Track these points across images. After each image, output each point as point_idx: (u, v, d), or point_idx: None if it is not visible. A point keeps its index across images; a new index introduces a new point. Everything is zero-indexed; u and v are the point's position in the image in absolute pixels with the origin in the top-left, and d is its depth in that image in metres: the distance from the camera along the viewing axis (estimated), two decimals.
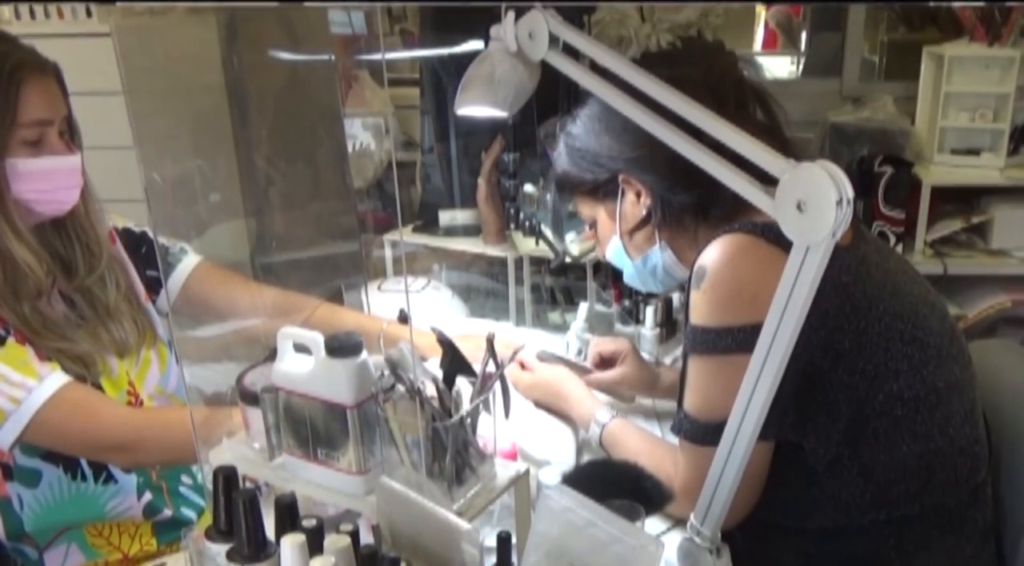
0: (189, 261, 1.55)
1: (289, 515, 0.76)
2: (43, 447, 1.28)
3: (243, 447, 1.06)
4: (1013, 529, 1.24)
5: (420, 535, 0.73)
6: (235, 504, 0.72)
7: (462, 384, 0.98)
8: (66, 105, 1.32)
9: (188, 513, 1.44)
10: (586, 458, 1.36)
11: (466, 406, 0.93)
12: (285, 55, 2.10)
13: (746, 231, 1.08)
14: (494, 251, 1.88)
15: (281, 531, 0.74)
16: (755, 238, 1.07)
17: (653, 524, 1.19)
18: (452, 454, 0.91)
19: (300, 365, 0.96)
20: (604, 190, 1.27)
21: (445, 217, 2.01)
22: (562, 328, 1.82)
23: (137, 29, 2.39)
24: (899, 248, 2.41)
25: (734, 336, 1.06)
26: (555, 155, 1.33)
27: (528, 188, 1.74)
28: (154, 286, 1.51)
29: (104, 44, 2.31)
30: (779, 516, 1.18)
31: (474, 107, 1.03)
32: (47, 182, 1.27)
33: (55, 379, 1.22)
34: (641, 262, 1.29)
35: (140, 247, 1.52)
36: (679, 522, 1.19)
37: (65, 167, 1.29)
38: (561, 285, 1.89)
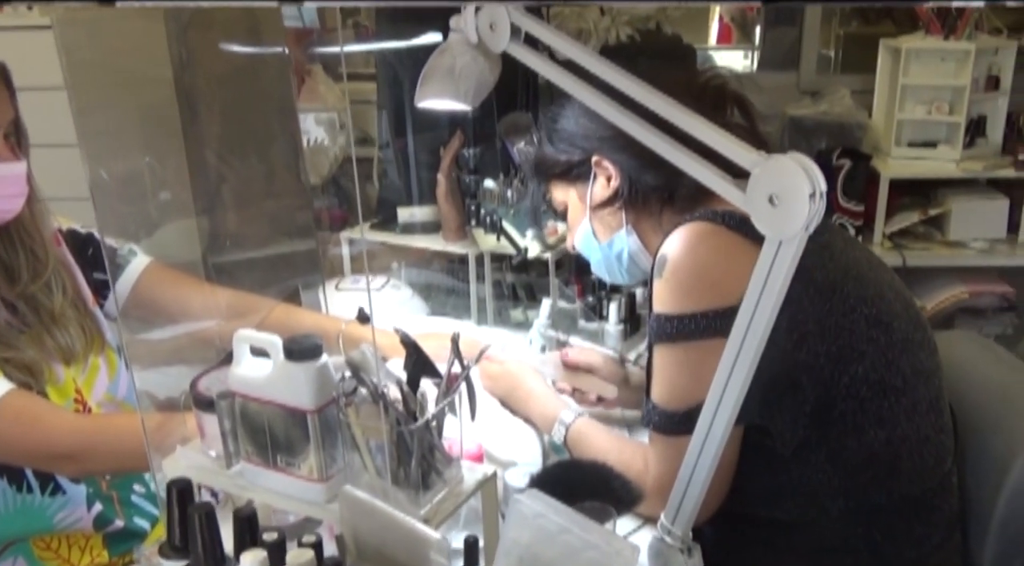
0: (138, 263, 1.49)
1: (249, 528, 0.73)
2: None
3: (198, 455, 1.02)
4: (978, 519, 1.24)
5: (386, 545, 0.70)
6: (190, 519, 0.68)
7: (427, 386, 0.95)
8: (13, 108, 1.26)
9: (141, 523, 1.39)
10: (553, 459, 1.34)
11: (431, 409, 0.90)
12: (236, 48, 2.05)
13: (707, 219, 1.09)
14: (454, 248, 1.85)
15: (240, 546, 0.70)
16: (715, 225, 1.08)
17: (622, 524, 1.17)
18: (418, 458, 0.88)
19: (257, 369, 0.92)
20: (577, 172, 1.27)
21: (404, 214, 1.98)
22: (524, 325, 1.80)
23: (80, 22, 2.31)
24: (857, 240, 2.43)
25: (697, 322, 1.06)
26: (536, 139, 1.33)
27: (489, 183, 1.71)
28: (102, 289, 1.45)
29: (46, 37, 2.24)
30: (748, 506, 1.18)
31: (435, 100, 1.00)
32: None
33: None
34: (607, 246, 1.29)
35: (87, 249, 1.46)
36: (648, 521, 1.18)
37: (9, 175, 1.23)
38: (523, 282, 1.87)
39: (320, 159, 2.99)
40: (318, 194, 2.79)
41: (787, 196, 0.74)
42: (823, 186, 0.74)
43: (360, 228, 2.07)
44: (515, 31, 0.99)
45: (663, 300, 1.10)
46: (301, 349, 0.88)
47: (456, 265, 1.96)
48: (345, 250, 2.03)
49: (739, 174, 0.81)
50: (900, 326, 1.14)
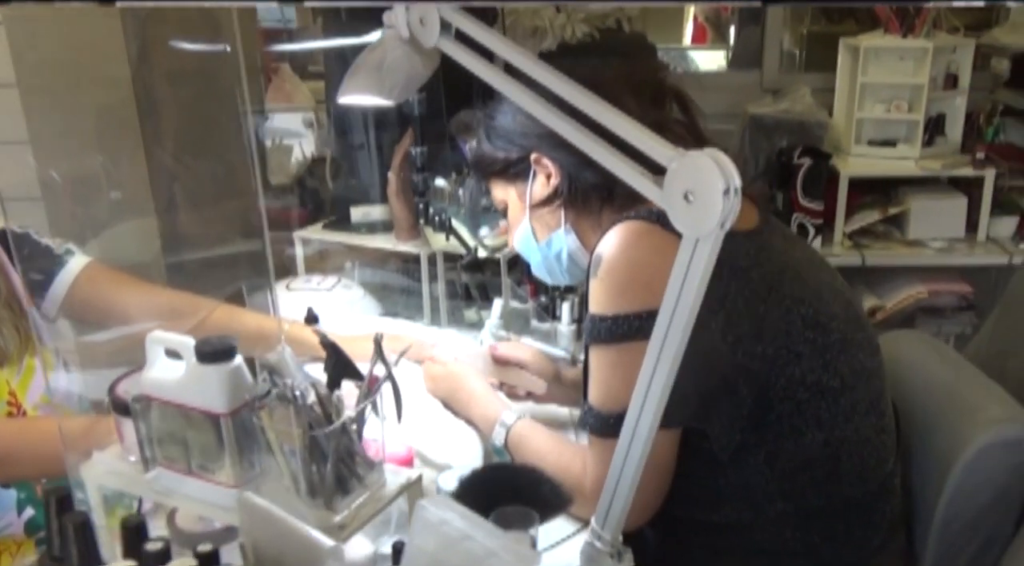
0: (76, 263, 1.45)
1: (136, 539, 0.70)
2: None
3: (116, 460, 0.99)
4: (922, 520, 1.23)
5: (284, 553, 0.68)
6: (64, 528, 0.66)
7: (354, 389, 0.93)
8: None
9: None
10: (495, 461, 1.32)
11: (348, 412, 0.87)
12: (185, 46, 2.01)
13: (641, 218, 1.08)
14: (406, 247, 1.82)
15: (126, 556, 0.67)
16: (650, 224, 1.07)
17: (561, 527, 1.15)
18: (333, 463, 0.85)
19: (171, 372, 0.89)
20: (516, 169, 1.25)
21: (357, 213, 1.95)
22: (478, 325, 1.77)
23: (31, 19, 2.28)
24: (818, 240, 2.43)
25: (631, 323, 1.04)
26: (477, 137, 1.31)
27: (439, 182, 1.69)
28: (38, 290, 1.42)
29: None
30: (688, 509, 1.17)
31: (356, 96, 0.98)
32: None
33: None
34: (546, 245, 1.27)
35: (22, 248, 1.42)
36: (587, 524, 1.16)
37: None
38: (477, 282, 1.84)
39: (284, 159, 2.96)
40: (281, 194, 2.76)
41: (701, 192, 0.72)
42: (737, 182, 0.72)
43: (312, 228, 2.03)
44: (448, 26, 0.97)
45: (598, 300, 1.08)
46: (214, 351, 0.86)
47: (411, 265, 1.93)
48: (298, 250, 2.00)
49: (662, 172, 0.79)
50: (838, 326, 1.13)
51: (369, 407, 0.94)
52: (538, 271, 1.34)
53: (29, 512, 1.29)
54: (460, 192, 1.64)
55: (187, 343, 0.87)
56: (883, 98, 2.47)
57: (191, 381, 0.87)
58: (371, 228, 1.94)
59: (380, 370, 0.95)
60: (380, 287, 1.96)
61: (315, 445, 0.85)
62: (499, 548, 0.63)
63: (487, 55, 0.93)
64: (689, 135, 1.19)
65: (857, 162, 2.48)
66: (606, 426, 1.08)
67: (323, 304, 1.81)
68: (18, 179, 2.25)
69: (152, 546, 0.72)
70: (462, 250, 1.72)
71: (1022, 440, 1.14)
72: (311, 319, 1.74)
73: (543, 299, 1.74)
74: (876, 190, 2.50)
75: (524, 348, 1.44)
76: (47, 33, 2.34)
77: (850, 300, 1.20)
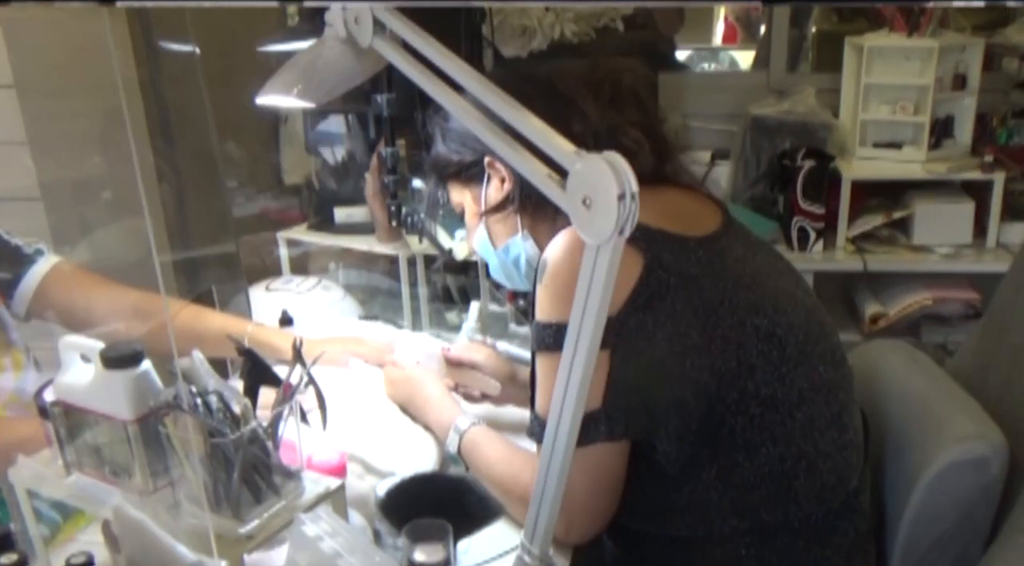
0: (44, 263, 1.45)
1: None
2: None
3: (44, 465, 0.98)
4: (892, 538, 1.18)
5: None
6: None
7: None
8: None
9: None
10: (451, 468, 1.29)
11: (256, 421, 0.85)
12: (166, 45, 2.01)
13: None
14: (385, 249, 1.80)
15: None
16: None
17: (510, 538, 1.12)
18: (240, 471, 0.83)
19: (82, 376, 0.88)
20: (470, 173, 1.22)
21: (341, 214, 1.94)
22: (459, 328, 1.75)
23: (30, 21, 2.30)
24: (819, 244, 2.36)
25: None
26: (433, 138, 1.29)
27: (417, 183, 1.67)
28: (7, 289, 1.42)
29: None
30: (641, 522, 1.14)
31: (274, 97, 0.95)
32: None
33: None
34: (504, 251, 1.24)
35: None
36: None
37: None
38: (458, 284, 1.82)
39: (300, 159, 2.98)
40: (279, 195, 2.76)
41: (598, 198, 0.69)
42: (634, 187, 0.68)
43: (297, 229, 2.03)
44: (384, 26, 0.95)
45: (542, 307, 1.05)
46: (119, 357, 0.84)
47: (394, 266, 1.91)
48: (282, 251, 1.99)
49: None
50: (796, 338, 1.08)
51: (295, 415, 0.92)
52: (496, 275, 1.31)
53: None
54: (440, 193, 1.61)
55: (95, 348, 0.86)
56: (888, 99, 2.39)
57: (98, 387, 0.85)
58: (354, 229, 1.93)
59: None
60: (363, 289, 1.95)
61: (220, 453, 0.83)
62: None
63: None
64: (647, 138, 1.15)
65: (861, 165, 2.41)
66: None
67: (302, 305, 1.80)
68: (16, 180, 2.28)
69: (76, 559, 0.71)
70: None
71: (990, 459, 1.08)
72: (285, 321, 1.73)
73: (521, 302, 1.71)
74: (881, 194, 2.43)
75: (478, 349, 1.41)
76: (44, 34, 2.36)
77: (812, 310, 1.16)
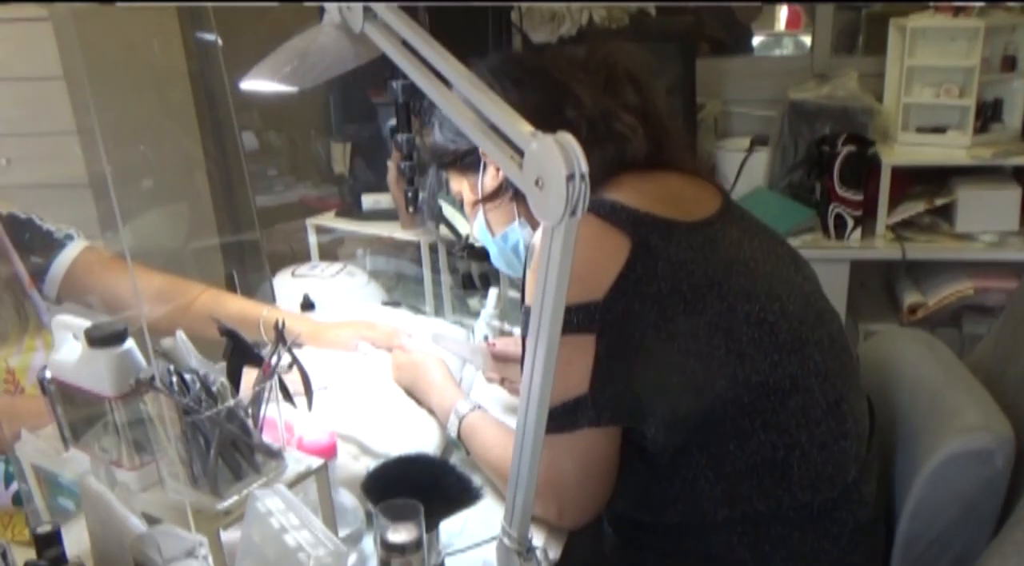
0: (74, 247, 1.51)
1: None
2: None
3: (44, 441, 1.02)
4: (902, 529, 1.15)
5: (112, 536, 0.68)
6: None
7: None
8: None
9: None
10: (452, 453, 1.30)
11: (234, 399, 0.87)
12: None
13: None
14: (406, 236, 1.82)
15: None
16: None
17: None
18: (216, 449, 0.85)
19: (71, 354, 0.91)
20: (465, 162, 1.22)
21: (368, 201, 1.96)
22: (480, 314, 1.76)
23: (79, 15, 2.37)
24: (857, 232, 2.30)
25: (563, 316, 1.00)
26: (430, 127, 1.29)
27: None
28: (39, 273, 1.48)
29: (40, 29, 2.29)
30: (634, 510, 1.14)
31: (259, 81, 0.97)
32: None
33: None
34: (502, 239, 1.24)
35: (24, 233, 1.48)
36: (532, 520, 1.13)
37: None
38: (479, 270, 1.82)
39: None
40: (335, 182, 2.79)
41: (549, 178, 0.68)
42: (583, 168, 0.68)
43: (326, 216, 2.06)
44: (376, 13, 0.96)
45: (530, 292, 1.05)
46: (102, 335, 0.87)
47: (417, 252, 1.93)
48: (311, 237, 2.03)
49: None
50: (789, 325, 1.06)
51: (280, 395, 0.94)
52: (496, 262, 1.31)
53: (16, 485, 1.34)
54: (441, 181, 1.62)
55: (81, 326, 0.89)
56: (932, 82, 2.31)
57: (84, 364, 0.88)
58: (380, 216, 1.95)
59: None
60: (389, 275, 1.97)
61: (198, 431, 0.85)
62: (307, 543, 0.61)
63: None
64: (643, 122, 1.13)
65: (903, 150, 2.33)
66: None
67: (326, 291, 1.83)
68: (66, 168, 2.36)
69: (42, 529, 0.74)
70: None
71: (994, 451, 1.05)
72: (307, 305, 1.76)
73: None
74: (924, 180, 2.35)
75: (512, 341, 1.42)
76: (93, 26, 2.43)
77: (810, 296, 1.13)
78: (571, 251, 0.72)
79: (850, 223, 2.28)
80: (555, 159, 0.68)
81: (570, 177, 0.67)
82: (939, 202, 2.26)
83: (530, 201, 0.73)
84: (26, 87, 2.33)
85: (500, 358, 1.42)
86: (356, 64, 1.05)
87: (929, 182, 2.35)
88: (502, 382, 1.41)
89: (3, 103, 2.31)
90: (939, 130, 2.33)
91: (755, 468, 1.04)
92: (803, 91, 2.45)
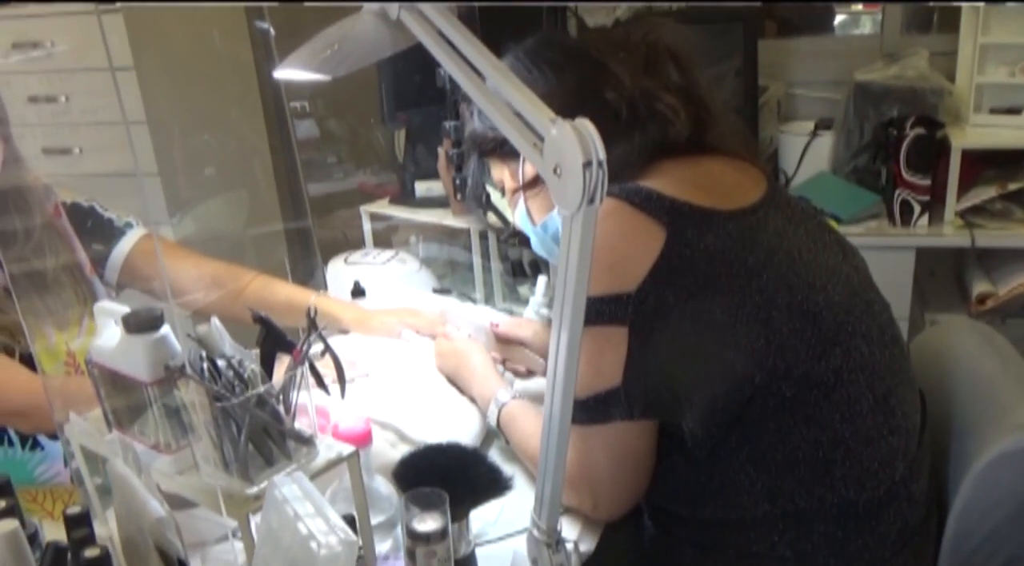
0: (133, 235, 1.56)
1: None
2: None
3: (91, 422, 1.05)
4: (950, 529, 1.10)
5: (134, 517, 0.69)
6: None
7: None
8: None
9: None
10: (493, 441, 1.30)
11: (262, 385, 0.88)
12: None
13: (612, 195, 1.01)
14: (457, 222, 1.82)
15: None
16: (619, 202, 1.01)
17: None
18: (246, 434, 0.87)
19: (112, 340, 0.93)
20: (505, 149, 1.20)
21: (421, 188, 1.96)
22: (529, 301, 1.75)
23: (149, 5, 2.42)
24: (924, 218, 2.21)
25: (591, 306, 0.98)
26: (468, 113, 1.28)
27: None
28: (100, 259, 1.53)
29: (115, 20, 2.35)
30: (674, 504, 1.12)
31: (293, 70, 0.97)
32: None
33: None
34: (542, 228, 1.22)
35: (86, 221, 1.53)
36: (565, 511, 1.12)
37: None
38: (530, 257, 1.82)
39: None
40: (394, 169, 2.81)
41: (566, 166, 0.67)
42: (601, 155, 0.66)
43: (380, 203, 2.07)
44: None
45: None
46: (138, 321, 0.89)
47: (469, 239, 1.93)
48: (365, 224, 2.04)
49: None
50: (834, 316, 1.02)
51: (312, 382, 0.95)
52: (537, 250, 1.30)
53: (75, 463, 1.40)
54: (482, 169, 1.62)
55: (119, 312, 0.91)
56: (1007, 60, 2.20)
57: (123, 350, 0.90)
58: (432, 203, 1.95)
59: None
60: (441, 262, 1.97)
61: (228, 417, 0.86)
62: (319, 532, 0.62)
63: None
64: (685, 103, 1.10)
65: (974, 132, 2.24)
66: (576, 413, 1.04)
67: (377, 277, 1.85)
68: (135, 157, 2.43)
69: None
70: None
71: None
72: (358, 292, 1.78)
73: None
74: (997, 164, 2.24)
75: (527, 325, 1.41)
76: (162, 18, 2.50)
77: (859, 286, 1.09)
78: (591, 239, 0.71)
79: (917, 209, 2.20)
80: (572, 146, 0.67)
81: (587, 164, 0.66)
82: (1012, 187, 2.15)
83: (550, 189, 0.72)
84: (97, 78, 2.40)
85: (503, 339, 1.42)
86: (392, 51, 1.05)
87: (1002, 166, 2.25)
88: (503, 363, 1.41)
89: (76, 93, 2.38)
90: (1013, 111, 2.23)
91: (797, 463, 1.01)
92: (870, 72, 2.36)
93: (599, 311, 0.99)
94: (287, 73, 0.97)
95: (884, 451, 1.04)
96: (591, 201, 0.67)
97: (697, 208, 1.01)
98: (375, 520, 1.00)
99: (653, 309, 0.97)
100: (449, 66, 0.89)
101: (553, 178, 0.69)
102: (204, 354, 0.87)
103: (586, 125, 0.67)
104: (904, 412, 1.08)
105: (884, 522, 1.05)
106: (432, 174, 2.03)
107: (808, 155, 2.48)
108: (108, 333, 0.95)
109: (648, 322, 0.98)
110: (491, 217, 1.66)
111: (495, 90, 0.76)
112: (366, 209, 2.05)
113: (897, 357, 1.10)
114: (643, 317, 0.97)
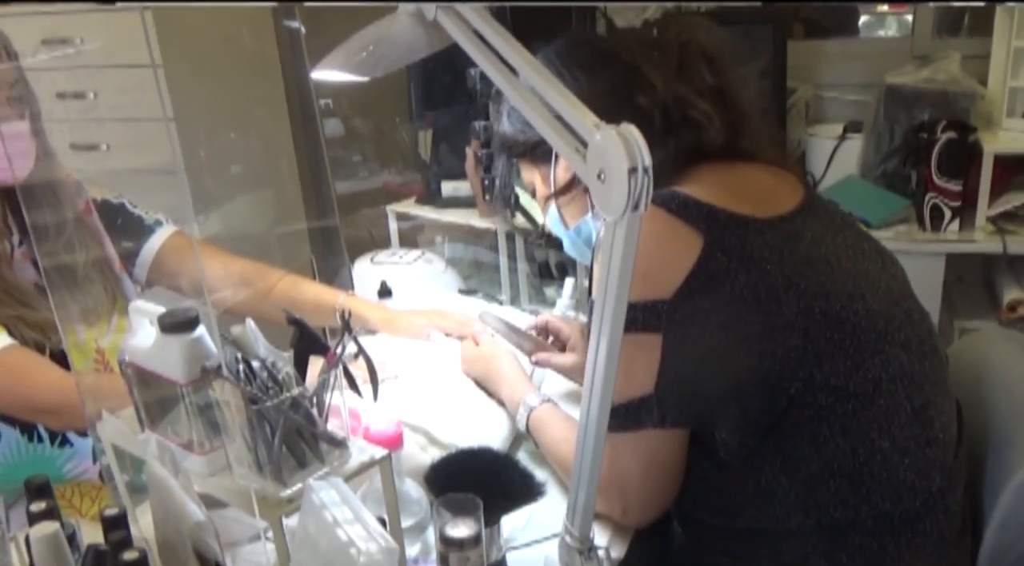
0: (163, 232, 1.56)
1: (39, 495, 0.74)
2: None
3: (123, 421, 1.05)
4: (987, 542, 1.09)
5: (172, 520, 0.69)
6: None
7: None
8: (13, 70, 1.32)
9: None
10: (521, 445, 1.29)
11: (298, 389, 0.88)
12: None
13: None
14: (484, 223, 1.81)
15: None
16: (655, 208, 0.99)
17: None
18: (280, 437, 0.86)
19: (146, 340, 0.93)
20: (538, 152, 1.19)
21: (448, 188, 1.96)
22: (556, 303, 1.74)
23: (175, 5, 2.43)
24: (955, 224, 2.19)
25: (628, 313, 0.97)
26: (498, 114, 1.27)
27: None
28: (130, 256, 1.53)
29: (131, 17, 2.36)
30: (706, 513, 1.10)
31: (329, 71, 0.97)
32: None
33: None
34: (575, 232, 1.21)
35: (116, 218, 1.54)
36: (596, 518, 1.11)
37: (9, 134, 1.30)
38: (557, 259, 1.81)
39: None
40: (403, 169, 2.81)
41: (610, 172, 0.66)
42: (647, 161, 0.65)
43: (406, 203, 2.07)
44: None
45: (596, 286, 1.03)
46: (173, 322, 0.89)
47: (496, 240, 1.92)
48: (392, 224, 2.04)
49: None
50: (872, 325, 1.00)
51: (346, 385, 0.94)
52: (570, 251, 1.29)
53: (104, 460, 1.40)
54: (512, 171, 1.61)
55: (155, 312, 0.91)
56: None
57: (157, 350, 0.90)
58: (459, 203, 1.95)
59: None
60: (467, 262, 1.97)
61: (262, 419, 0.86)
62: (358, 539, 0.61)
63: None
64: (719, 108, 1.09)
65: (1007, 137, 2.21)
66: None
67: (404, 278, 1.84)
68: (163, 155, 2.44)
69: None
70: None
71: None
72: (384, 292, 1.77)
73: None
74: None
75: (569, 325, 1.40)
76: (191, 16, 2.51)
77: (898, 295, 1.08)
78: (634, 246, 0.70)
79: (947, 214, 2.18)
80: (617, 152, 0.66)
81: (632, 170, 0.65)
82: None
83: (592, 194, 0.71)
84: (125, 74, 2.41)
85: (542, 330, 1.42)
86: (428, 52, 1.04)
87: None
88: (529, 355, 1.39)
89: (104, 90, 2.40)
90: None
91: (832, 474, 1.00)
92: (901, 75, 2.33)
93: (633, 318, 0.97)
94: (326, 74, 0.97)
95: (921, 462, 1.02)
96: (636, 207, 0.66)
97: (734, 215, 0.99)
98: (405, 523, 1.00)
99: (688, 317, 0.96)
100: (487, 68, 0.88)
101: (597, 183, 0.69)
102: (239, 356, 0.87)
103: (631, 130, 0.66)
104: (942, 423, 1.06)
105: (920, 534, 1.03)
106: (458, 174, 2.03)
107: (837, 158, 2.46)
108: (143, 333, 0.95)
109: (682, 330, 0.96)
110: (519, 219, 1.65)
111: (537, 93, 0.75)
112: (392, 208, 2.05)
113: (936, 367, 1.08)
114: (678, 325, 0.96)
